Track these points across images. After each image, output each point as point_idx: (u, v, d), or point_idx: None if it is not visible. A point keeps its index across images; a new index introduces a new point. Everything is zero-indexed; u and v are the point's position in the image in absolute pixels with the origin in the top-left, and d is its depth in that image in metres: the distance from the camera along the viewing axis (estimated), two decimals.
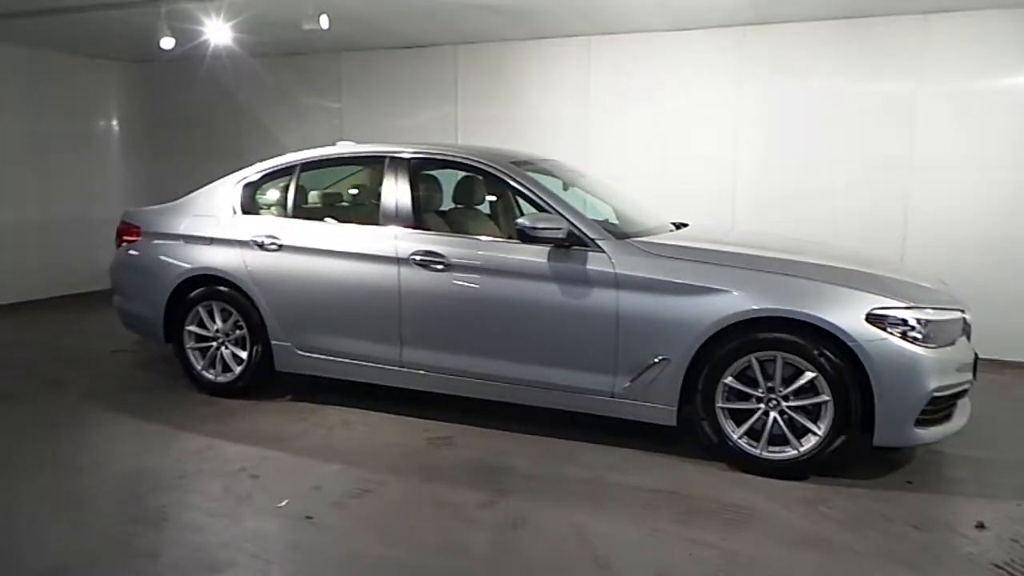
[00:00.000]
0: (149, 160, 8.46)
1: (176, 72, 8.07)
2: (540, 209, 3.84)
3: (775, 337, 3.34)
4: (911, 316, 3.25)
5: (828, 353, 3.27)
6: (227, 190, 4.62)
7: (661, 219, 4.45)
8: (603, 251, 3.67)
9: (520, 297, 3.78)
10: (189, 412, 4.29)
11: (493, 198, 4.90)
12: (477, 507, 3.13)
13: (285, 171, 4.56)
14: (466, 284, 3.89)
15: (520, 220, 3.70)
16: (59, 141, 7.81)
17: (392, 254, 4.04)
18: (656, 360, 3.54)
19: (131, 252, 4.81)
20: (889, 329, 3.23)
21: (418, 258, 3.97)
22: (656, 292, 3.53)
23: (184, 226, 4.62)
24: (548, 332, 3.75)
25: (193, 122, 8.17)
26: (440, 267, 3.93)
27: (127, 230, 4.88)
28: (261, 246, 4.36)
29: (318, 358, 4.30)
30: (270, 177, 4.60)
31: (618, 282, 3.59)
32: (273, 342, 4.38)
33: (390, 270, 4.04)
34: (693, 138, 6.22)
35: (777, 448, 3.43)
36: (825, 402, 3.31)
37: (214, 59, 7.58)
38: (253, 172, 4.62)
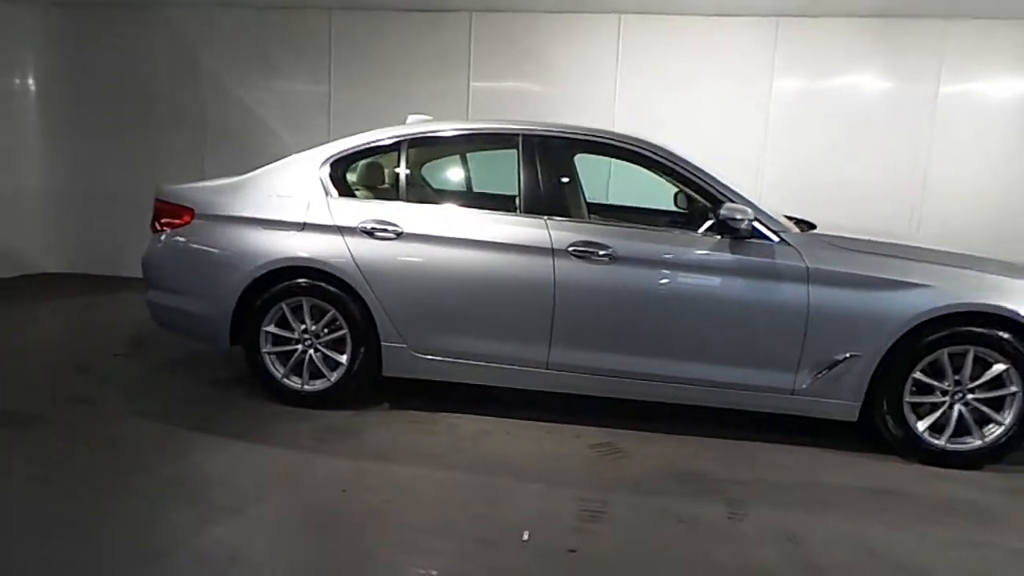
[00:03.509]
0: (80, 128, 7.04)
1: (116, 22, 6.84)
2: (713, 200, 3.64)
3: (971, 331, 3.39)
4: None
5: (1019, 345, 3.37)
6: (312, 167, 3.94)
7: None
8: (789, 244, 3.54)
9: (697, 291, 3.57)
10: (289, 428, 3.65)
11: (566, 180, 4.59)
12: (729, 521, 2.92)
13: (387, 148, 3.97)
14: (635, 278, 3.60)
15: (722, 211, 3.47)
16: None
17: (546, 244, 3.64)
18: (846, 356, 3.48)
19: (182, 239, 3.98)
20: None
21: (577, 249, 3.62)
22: (852, 287, 3.46)
23: (260, 209, 3.89)
24: (728, 328, 3.57)
25: (141, 85, 6.92)
26: (605, 259, 3.60)
27: (171, 211, 4.03)
28: (370, 234, 3.77)
29: (442, 361, 3.81)
30: (368, 154, 3.99)
31: (810, 276, 3.48)
32: (384, 344, 3.82)
33: (542, 262, 3.64)
34: (722, 124, 6.23)
35: (958, 439, 3.51)
36: (1013, 393, 3.42)
37: (168, 7, 6.53)
38: (345, 147, 3.96)
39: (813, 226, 3.82)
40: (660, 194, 4.68)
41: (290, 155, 4.09)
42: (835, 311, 3.47)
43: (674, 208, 4.65)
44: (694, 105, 6.25)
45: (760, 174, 6.26)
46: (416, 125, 4.04)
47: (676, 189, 4.56)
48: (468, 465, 3.34)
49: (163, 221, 4.05)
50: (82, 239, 7.28)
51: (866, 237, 3.69)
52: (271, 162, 4.07)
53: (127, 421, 3.67)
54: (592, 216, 4.57)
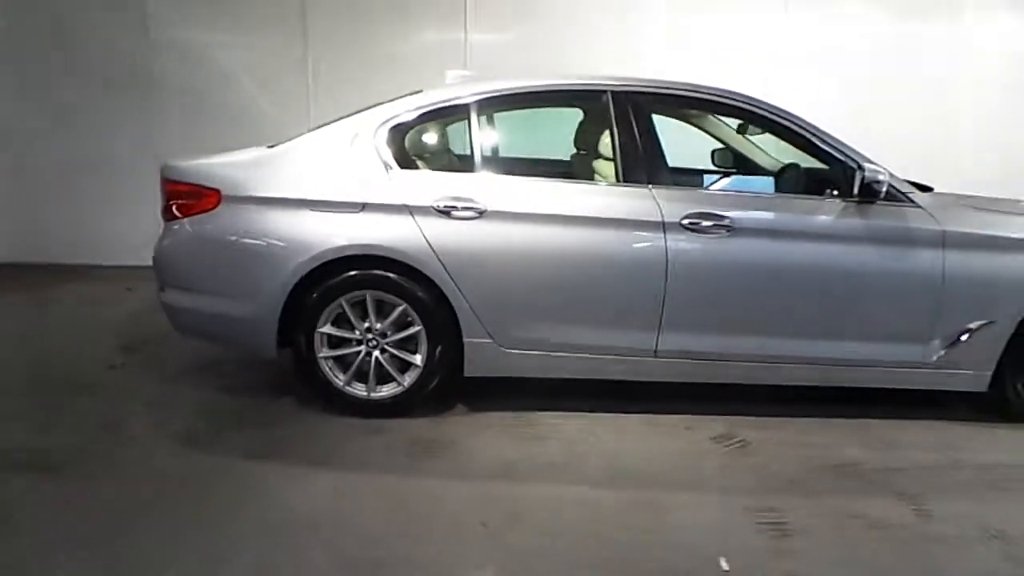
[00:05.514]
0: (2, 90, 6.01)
1: None
2: (834, 161, 3.29)
3: None
4: None
5: None
6: (366, 136, 3.31)
7: None
8: (919, 206, 3.25)
9: (826, 262, 3.23)
10: (367, 444, 3.12)
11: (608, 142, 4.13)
12: (919, 520, 2.64)
13: (452, 110, 3.38)
14: (757, 251, 3.22)
15: (867, 173, 3.11)
16: None
17: (655, 217, 3.20)
18: (980, 324, 3.25)
19: (209, 227, 3.28)
20: None
21: (692, 222, 3.20)
22: (988, 250, 3.22)
23: (307, 187, 3.25)
24: (858, 301, 3.27)
25: (73, 37, 5.91)
26: (723, 232, 3.20)
27: (191, 193, 3.31)
28: (447, 213, 3.21)
29: (535, 355, 3.33)
30: (431, 117, 3.39)
31: (945, 241, 3.20)
32: (467, 340, 3.30)
33: (652, 237, 3.20)
34: (740, 75, 5.86)
35: None
36: None
37: None
38: (404, 111, 3.34)
39: (929, 188, 3.54)
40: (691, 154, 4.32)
41: (328, 122, 3.46)
42: (971, 276, 3.22)
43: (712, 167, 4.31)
44: (715, 54, 5.85)
45: None
46: (481, 83, 3.45)
47: (716, 147, 4.26)
48: (598, 478, 2.91)
49: (180, 206, 3.33)
50: (12, 224, 6.26)
51: (989, 196, 3.45)
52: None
53: (176, 452, 3.02)
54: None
